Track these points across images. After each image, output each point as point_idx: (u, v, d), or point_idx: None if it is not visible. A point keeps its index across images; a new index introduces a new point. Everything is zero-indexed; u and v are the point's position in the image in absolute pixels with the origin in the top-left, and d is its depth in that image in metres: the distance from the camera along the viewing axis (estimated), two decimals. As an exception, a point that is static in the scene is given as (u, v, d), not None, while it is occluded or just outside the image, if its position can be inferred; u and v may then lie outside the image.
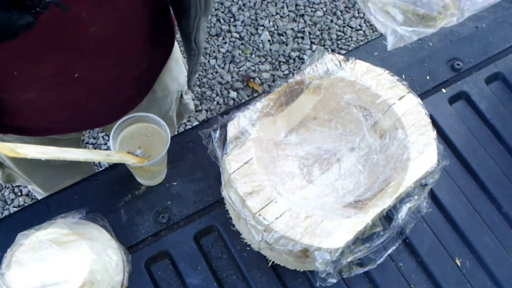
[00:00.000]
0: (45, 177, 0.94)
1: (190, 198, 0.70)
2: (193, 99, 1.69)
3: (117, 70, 0.66)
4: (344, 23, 1.85)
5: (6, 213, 1.50)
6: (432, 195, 0.72)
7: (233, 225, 0.66)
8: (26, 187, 1.48)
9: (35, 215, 0.68)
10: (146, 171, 0.66)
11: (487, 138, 0.77)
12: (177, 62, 0.87)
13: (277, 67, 1.75)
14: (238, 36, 1.79)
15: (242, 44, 1.77)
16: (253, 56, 1.76)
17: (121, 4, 0.57)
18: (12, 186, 1.53)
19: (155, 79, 0.79)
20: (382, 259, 0.61)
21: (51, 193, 0.71)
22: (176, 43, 0.82)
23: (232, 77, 1.72)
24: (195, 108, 1.68)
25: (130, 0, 0.58)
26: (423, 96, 0.79)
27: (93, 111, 0.73)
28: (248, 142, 0.60)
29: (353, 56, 0.67)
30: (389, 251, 0.61)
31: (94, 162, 1.54)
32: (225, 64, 1.74)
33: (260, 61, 1.75)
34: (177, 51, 0.85)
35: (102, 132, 1.62)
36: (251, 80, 1.72)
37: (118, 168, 0.72)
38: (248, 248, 0.66)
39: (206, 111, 1.67)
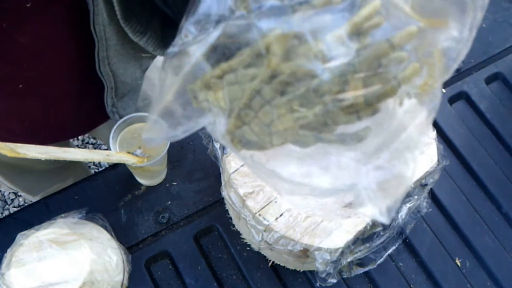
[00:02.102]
0: (29, 182, 0.92)
1: (190, 198, 0.70)
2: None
3: (71, 83, 0.63)
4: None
5: (6, 213, 1.50)
6: (432, 195, 0.72)
7: (233, 225, 0.66)
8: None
9: (35, 215, 0.68)
10: (146, 171, 0.66)
11: (487, 138, 0.77)
12: (157, 71, 0.84)
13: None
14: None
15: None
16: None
17: (52, 16, 0.52)
18: (12, 186, 1.53)
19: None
20: (382, 259, 0.61)
21: (40, 198, 0.70)
22: None
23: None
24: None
25: (62, 13, 0.53)
26: (423, 96, 0.79)
27: (56, 123, 0.70)
28: (248, 142, 0.59)
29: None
30: (389, 251, 0.61)
31: (94, 162, 1.54)
32: (225, 64, 1.74)
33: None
34: (159, 59, 0.78)
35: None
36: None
37: (118, 168, 0.72)
38: (248, 248, 0.66)
39: (206, 111, 1.67)
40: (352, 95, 0.27)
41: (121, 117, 0.71)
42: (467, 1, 0.27)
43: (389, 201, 0.28)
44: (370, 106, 0.27)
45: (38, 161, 0.83)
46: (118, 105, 0.68)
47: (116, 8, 0.45)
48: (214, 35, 0.29)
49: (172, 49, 0.30)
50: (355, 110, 0.28)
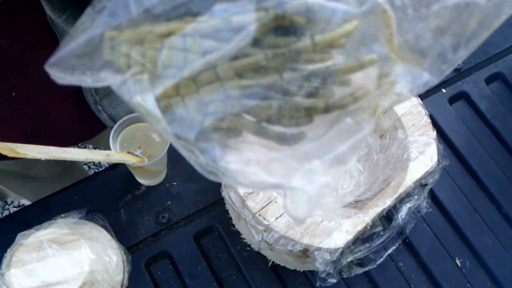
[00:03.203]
0: (33, 190, 0.92)
1: (190, 198, 0.70)
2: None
3: (63, 87, 0.62)
4: (344, 23, 1.84)
5: (6, 213, 1.50)
6: (432, 195, 0.72)
7: (233, 225, 0.66)
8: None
9: (35, 215, 0.68)
10: (146, 171, 0.66)
11: (487, 138, 0.77)
12: None
13: (277, 67, 1.74)
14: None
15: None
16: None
17: (29, 17, 0.50)
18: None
19: None
20: (382, 259, 0.61)
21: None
22: None
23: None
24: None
25: (39, 13, 0.50)
26: (423, 96, 0.79)
27: (56, 130, 0.68)
28: (248, 142, 0.59)
29: (353, 56, 0.67)
30: (389, 251, 0.61)
31: (94, 162, 1.54)
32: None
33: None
34: None
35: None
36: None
37: (118, 168, 0.72)
38: (248, 248, 0.66)
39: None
40: (314, 100, 0.28)
41: (109, 116, 0.69)
42: (448, 55, 0.29)
43: (308, 206, 0.29)
44: (310, 116, 0.28)
45: (40, 168, 0.83)
46: (103, 103, 0.66)
47: None
48: None
49: None
50: (308, 114, 0.28)
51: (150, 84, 0.27)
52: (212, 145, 0.28)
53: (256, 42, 0.26)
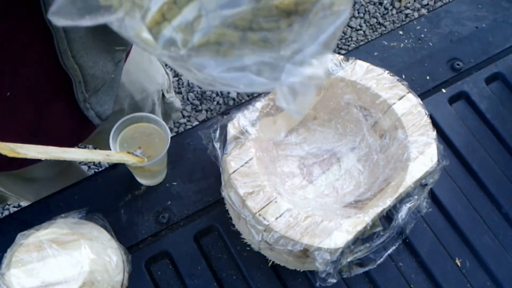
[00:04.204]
0: (34, 192, 0.91)
1: (190, 198, 0.70)
2: (193, 99, 1.69)
3: (60, 84, 0.61)
4: (344, 23, 1.84)
5: (6, 213, 1.50)
6: (432, 195, 0.72)
7: (233, 225, 0.66)
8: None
9: (35, 215, 0.68)
10: (146, 171, 0.66)
11: (487, 138, 0.77)
12: (151, 62, 0.83)
13: (277, 67, 1.75)
14: (238, 36, 1.78)
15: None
16: (253, 56, 1.75)
17: (21, 11, 0.49)
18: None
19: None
20: (382, 259, 0.61)
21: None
22: None
23: (232, 77, 1.71)
24: (195, 108, 1.68)
25: (31, 7, 0.49)
26: (423, 96, 0.79)
27: (54, 130, 0.67)
28: (248, 142, 0.60)
29: (353, 56, 0.67)
30: (389, 251, 0.61)
31: (93, 162, 1.54)
32: (225, 64, 1.73)
33: (260, 61, 1.75)
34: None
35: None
36: (251, 80, 1.71)
37: (118, 168, 0.72)
38: (248, 248, 0.67)
39: (206, 111, 1.67)
40: None
41: (96, 114, 0.68)
42: None
43: (300, 99, 0.33)
44: (290, 14, 0.30)
45: (39, 170, 0.82)
46: (91, 101, 0.66)
47: None
48: None
49: None
50: (284, 15, 0.30)
51: (141, 16, 0.30)
52: (205, 58, 0.31)
53: None
